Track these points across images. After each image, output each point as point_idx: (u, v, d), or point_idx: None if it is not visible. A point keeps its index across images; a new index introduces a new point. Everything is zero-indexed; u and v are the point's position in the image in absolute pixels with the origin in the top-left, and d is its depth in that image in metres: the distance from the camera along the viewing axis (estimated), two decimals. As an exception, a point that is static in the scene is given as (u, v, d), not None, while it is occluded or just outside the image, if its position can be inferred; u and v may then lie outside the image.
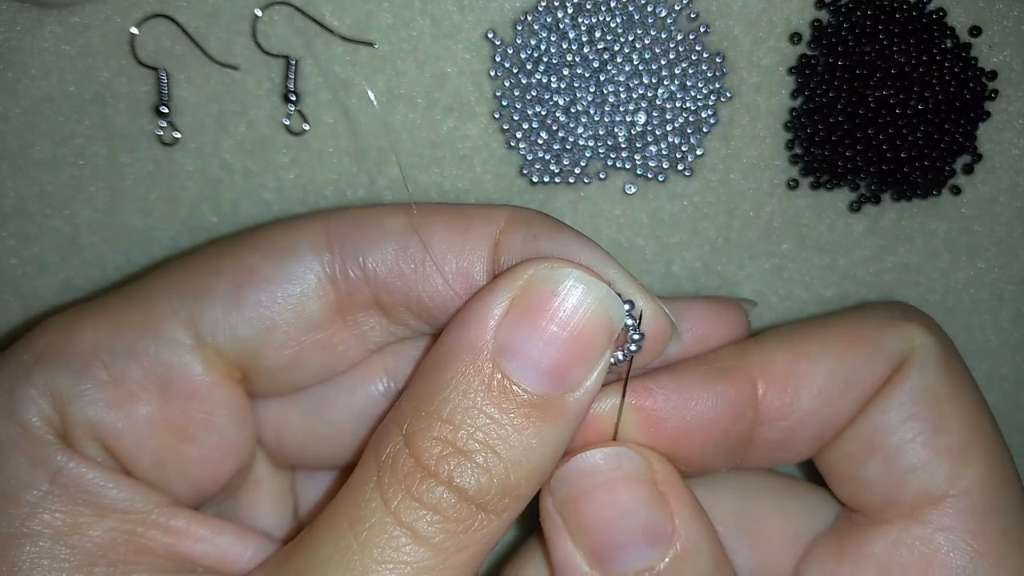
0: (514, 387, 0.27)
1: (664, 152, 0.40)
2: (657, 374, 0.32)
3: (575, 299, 0.28)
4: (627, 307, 0.29)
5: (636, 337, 0.29)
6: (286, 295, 0.32)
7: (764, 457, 0.34)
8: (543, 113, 0.40)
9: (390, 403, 0.34)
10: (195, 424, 0.31)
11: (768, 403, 0.33)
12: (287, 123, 0.40)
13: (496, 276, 0.30)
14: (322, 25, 0.39)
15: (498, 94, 0.40)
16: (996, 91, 0.41)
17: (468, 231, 0.31)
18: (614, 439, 0.32)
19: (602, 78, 0.40)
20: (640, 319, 0.30)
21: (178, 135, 0.40)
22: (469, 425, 0.28)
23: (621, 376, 0.31)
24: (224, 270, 0.32)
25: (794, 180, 0.41)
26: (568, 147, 0.40)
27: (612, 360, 0.29)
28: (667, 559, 0.30)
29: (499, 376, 0.28)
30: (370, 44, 0.39)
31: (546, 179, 0.41)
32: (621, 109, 0.40)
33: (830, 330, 0.34)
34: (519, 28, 0.39)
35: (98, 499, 0.29)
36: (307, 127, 0.40)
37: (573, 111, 0.40)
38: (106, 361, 0.30)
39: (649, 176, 0.41)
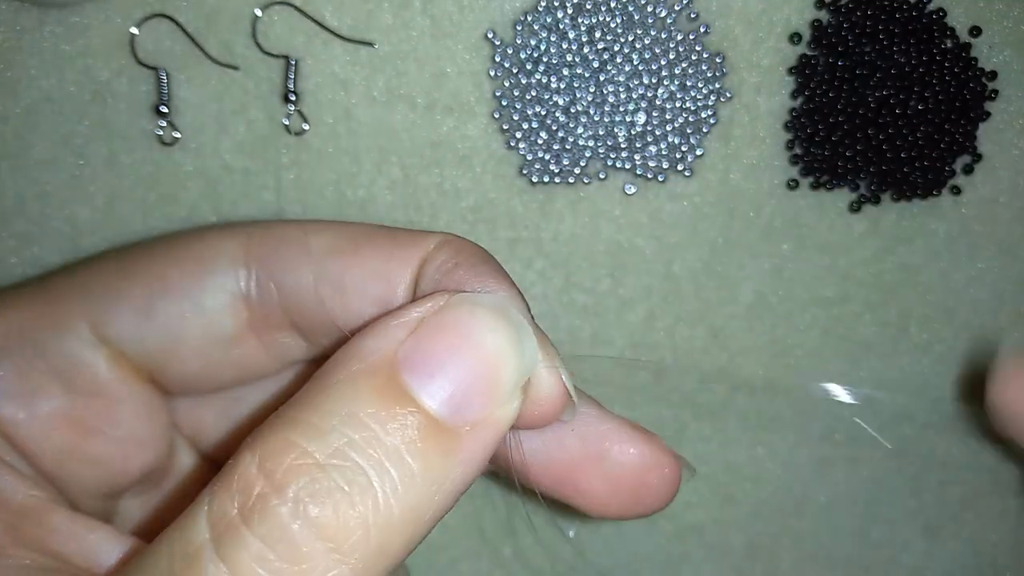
0: (409, 399, 0.23)
1: (664, 152, 0.40)
2: None
3: (493, 328, 0.24)
4: None
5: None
6: (197, 309, 0.30)
7: None
8: (543, 113, 0.40)
9: None
10: (100, 420, 0.31)
11: None
12: (287, 123, 0.40)
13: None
14: (322, 25, 0.39)
15: (498, 94, 0.40)
16: (996, 91, 0.41)
17: (392, 256, 0.29)
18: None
19: (602, 78, 0.40)
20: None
21: (178, 135, 0.40)
22: (342, 434, 0.22)
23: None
24: (137, 276, 0.30)
25: (794, 180, 0.41)
26: (568, 147, 0.40)
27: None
28: None
29: (395, 385, 0.23)
30: (370, 44, 0.39)
31: (546, 179, 0.40)
32: (621, 109, 0.40)
33: None
34: (519, 28, 0.39)
35: None
36: (307, 127, 0.40)
37: (573, 111, 0.40)
38: (12, 353, 0.30)
39: (649, 176, 0.41)
